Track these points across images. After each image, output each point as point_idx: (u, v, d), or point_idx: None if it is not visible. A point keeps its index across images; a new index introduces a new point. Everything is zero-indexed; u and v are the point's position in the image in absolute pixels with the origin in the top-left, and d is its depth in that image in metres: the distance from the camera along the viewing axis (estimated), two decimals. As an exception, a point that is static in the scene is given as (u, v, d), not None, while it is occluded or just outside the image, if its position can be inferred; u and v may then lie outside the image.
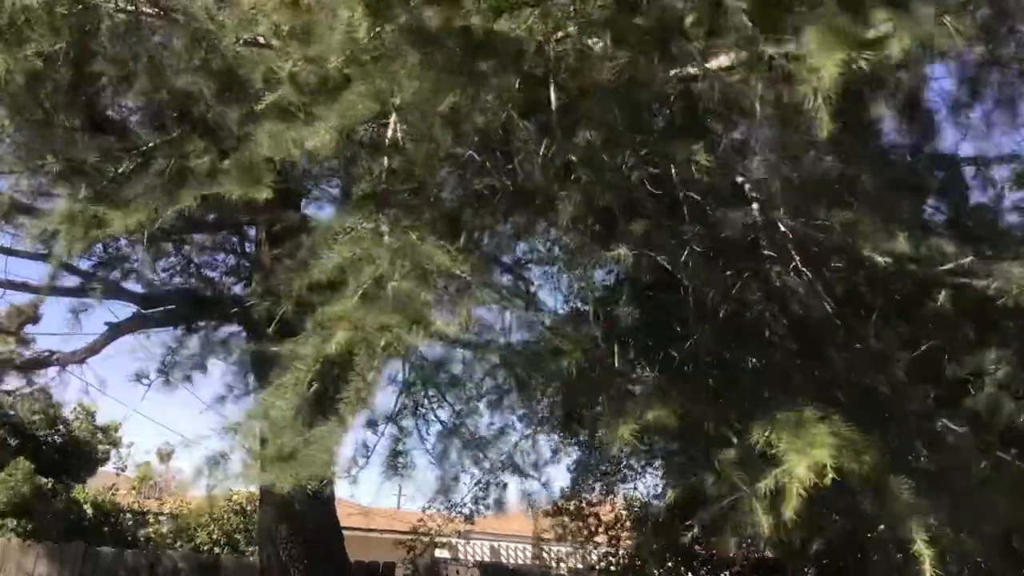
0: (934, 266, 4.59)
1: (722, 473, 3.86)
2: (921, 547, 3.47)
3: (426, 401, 9.23)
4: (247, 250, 11.95)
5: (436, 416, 9.48)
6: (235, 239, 12.01)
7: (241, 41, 4.52)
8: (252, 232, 11.28)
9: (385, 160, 4.00)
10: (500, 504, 11.72)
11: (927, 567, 3.42)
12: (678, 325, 4.44)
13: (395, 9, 3.50)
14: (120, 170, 4.89)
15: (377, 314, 3.48)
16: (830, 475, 3.18)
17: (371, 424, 9.09)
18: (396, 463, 8.02)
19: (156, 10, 4.79)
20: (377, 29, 3.52)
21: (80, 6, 4.61)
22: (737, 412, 3.83)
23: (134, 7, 4.91)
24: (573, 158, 3.97)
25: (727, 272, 4.39)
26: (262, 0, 4.35)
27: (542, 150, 4.04)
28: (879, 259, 4.50)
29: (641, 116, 4.03)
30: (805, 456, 3.16)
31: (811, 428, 3.26)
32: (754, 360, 4.12)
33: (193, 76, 4.73)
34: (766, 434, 3.33)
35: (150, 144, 5.02)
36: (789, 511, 3.36)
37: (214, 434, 4.96)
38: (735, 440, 3.85)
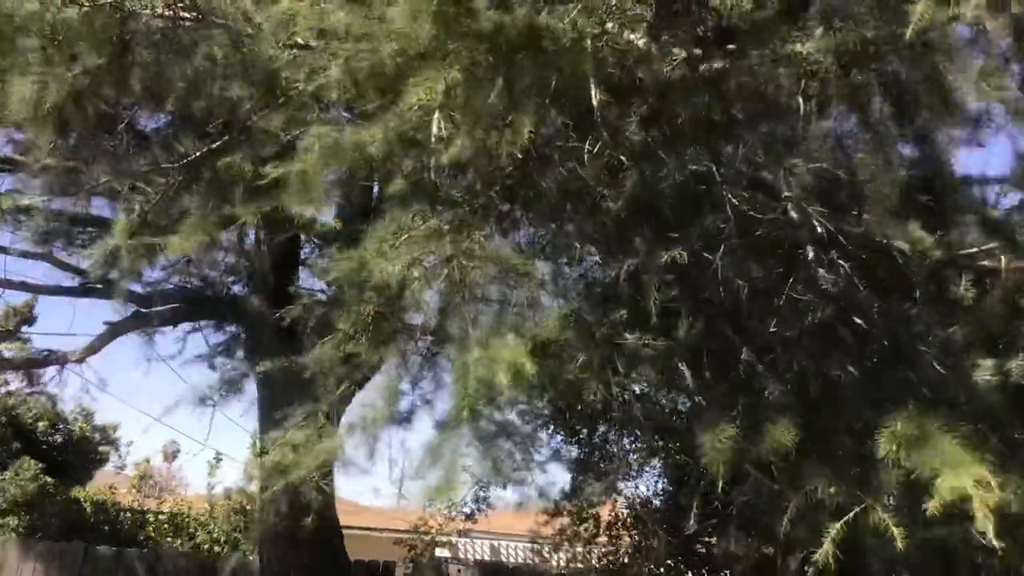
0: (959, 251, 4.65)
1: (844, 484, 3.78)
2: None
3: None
4: (246, 248, 11.93)
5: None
6: (233, 237, 11.99)
7: (280, 44, 4.51)
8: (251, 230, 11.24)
9: (433, 158, 4.00)
10: (500, 503, 11.75)
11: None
12: (737, 335, 4.44)
13: (463, 19, 3.49)
14: (169, 182, 4.88)
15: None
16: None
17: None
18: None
19: (194, 14, 4.76)
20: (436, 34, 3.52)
21: (119, 15, 4.59)
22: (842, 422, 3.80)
23: (172, 12, 4.89)
24: (621, 157, 4.00)
25: (767, 272, 4.43)
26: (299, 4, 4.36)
27: (586, 148, 4.06)
28: (903, 246, 4.56)
29: (685, 113, 4.05)
30: (957, 472, 3.08)
31: (938, 440, 3.21)
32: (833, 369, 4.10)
33: (234, 81, 4.71)
34: (895, 447, 3.26)
35: (195, 155, 5.00)
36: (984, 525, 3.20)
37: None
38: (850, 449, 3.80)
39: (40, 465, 13.90)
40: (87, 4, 4.37)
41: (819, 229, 4.51)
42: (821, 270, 4.20)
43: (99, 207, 8.49)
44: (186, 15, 4.71)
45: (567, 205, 4.15)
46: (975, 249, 4.89)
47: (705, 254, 4.11)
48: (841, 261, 4.68)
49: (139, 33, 4.62)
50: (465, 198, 4.02)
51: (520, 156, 3.89)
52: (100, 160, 5.06)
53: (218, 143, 4.75)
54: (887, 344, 4.32)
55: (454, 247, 3.74)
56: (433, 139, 3.98)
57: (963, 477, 3.07)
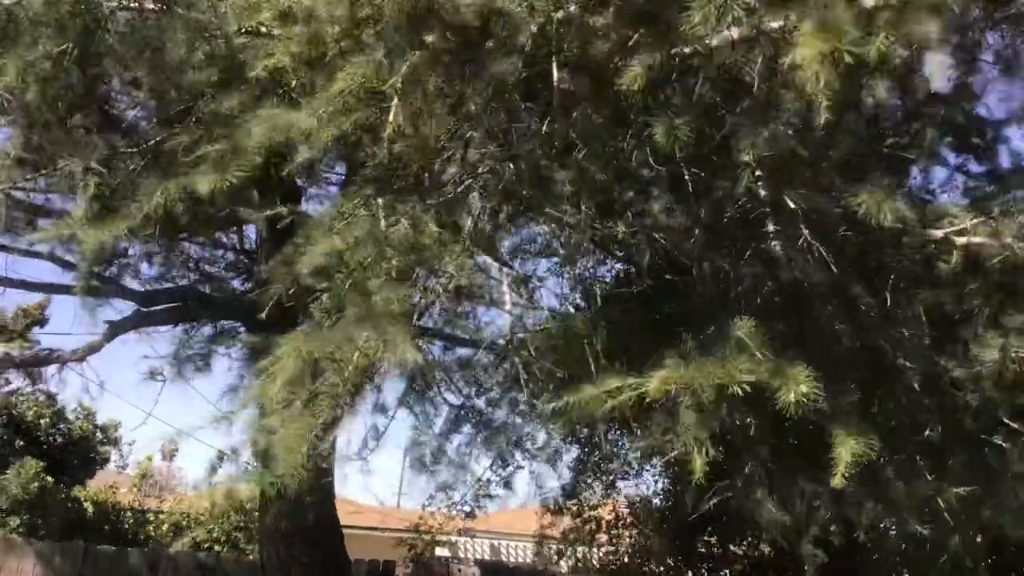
0: (939, 228, 4.60)
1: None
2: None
3: (437, 387, 9.18)
4: (246, 247, 11.97)
5: (445, 400, 9.44)
6: (234, 235, 12.03)
7: (243, 31, 4.50)
8: (252, 229, 11.28)
9: (386, 145, 3.98)
10: (501, 501, 11.70)
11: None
12: (686, 310, 4.41)
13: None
14: (131, 168, 4.88)
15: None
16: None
17: (381, 409, 9.05)
18: (421, 456, 8.01)
19: (158, 4, 4.77)
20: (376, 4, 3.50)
21: (82, 5, 4.59)
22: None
23: (137, 2, 4.90)
24: (573, 136, 3.95)
25: (735, 250, 4.37)
26: None
27: (543, 129, 4.02)
28: (885, 223, 4.50)
29: (643, 94, 4.00)
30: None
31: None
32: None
33: (196, 69, 4.71)
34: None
35: (155, 140, 5.00)
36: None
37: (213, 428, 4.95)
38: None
39: (41, 464, 13.96)
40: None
41: (791, 205, 4.46)
42: (776, 244, 4.15)
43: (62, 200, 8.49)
44: (151, 5, 4.73)
45: (522, 185, 4.12)
46: (961, 226, 4.84)
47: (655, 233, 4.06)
48: (815, 241, 4.63)
49: (103, 20, 4.61)
50: (403, 180, 4.00)
51: (471, 136, 3.86)
52: (60, 146, 5.06)
53: (177, 128, 4.74)
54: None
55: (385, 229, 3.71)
56: (389, 127, 3.97)
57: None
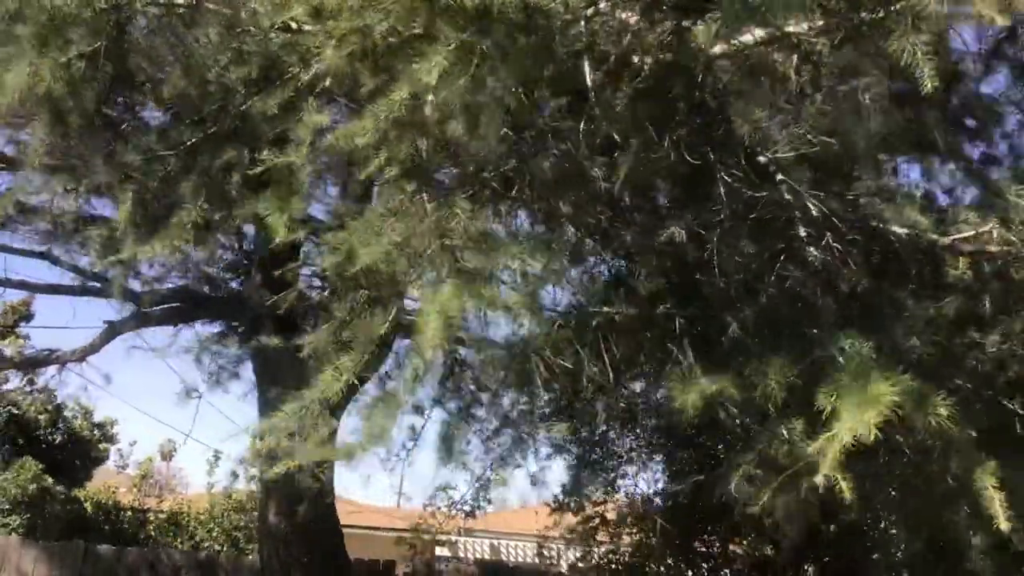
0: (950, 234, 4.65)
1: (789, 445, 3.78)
2: (991, 492, 3.44)
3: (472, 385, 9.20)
4: (245, 246, 11.94)
5: (479, 399, 9.46)
6: (233, 235, 12.01)
7: (276, 27, 4.49)
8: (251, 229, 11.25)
9: (424, 140, 3.98)
10: (501, 501, 11.72)
11: (997, 510, 3.39)
12: (713, 307, 4.44)
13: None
14: (167, 171, 4.87)
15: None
16: (874, 434, 3.12)
17: (417, 409, 9.06)
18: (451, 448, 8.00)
19: (189, 0, 4.76)
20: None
21: (114, 1, 4.57)
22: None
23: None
24: (614, 136, 3.98)
25: (761, 252, 4.41)
26: None
27: (580, 127, 4.05)
28: (899, 230, 4.56)
29: (677, 93, 4.05)
30: (856, 414, 3.11)
31: (874, 385, 3.21)
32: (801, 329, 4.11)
33: (229, 67, 4.69)
34: (832, 398, 3.26)
35: (190, 142, 4.98)
36: (824, 471, 3.28)
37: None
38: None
39: (40, 466, 13.89)
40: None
41: (813, 211, 4.51)
42: (812, 249, 4.20)
43: (100, 206, 8.52)
44: (181, 1, 4.72)
45: (561, 186, 4.14)
46: (971, 232, 4.90)
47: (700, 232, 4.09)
48: (836, 244, 4.69)
49: (134, 19, 4.60)
50: (455, 179, 4.01)
51: (514, 137, 3.88)
52: (95, 153, 5.05)
53: (213, 130, 4.73)
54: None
55: (438, 226, 3.72)
56: (426, 122, 3.99)
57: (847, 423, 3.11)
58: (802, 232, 4.16)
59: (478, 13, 3.72)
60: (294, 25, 4.52)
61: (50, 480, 14.03)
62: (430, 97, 4.00)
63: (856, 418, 3.04)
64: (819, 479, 3.22)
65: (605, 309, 4.81)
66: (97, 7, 4.25)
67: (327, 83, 4.16)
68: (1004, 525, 3.36)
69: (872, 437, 3.03)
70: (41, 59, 4.37)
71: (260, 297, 10.21)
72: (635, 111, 3.98)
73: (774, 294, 4.20)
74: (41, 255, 10.74)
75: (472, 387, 9.11)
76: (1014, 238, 4.65)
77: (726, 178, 4.22)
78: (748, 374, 3.52)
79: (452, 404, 9.14)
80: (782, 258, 4.26)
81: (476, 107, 3.83)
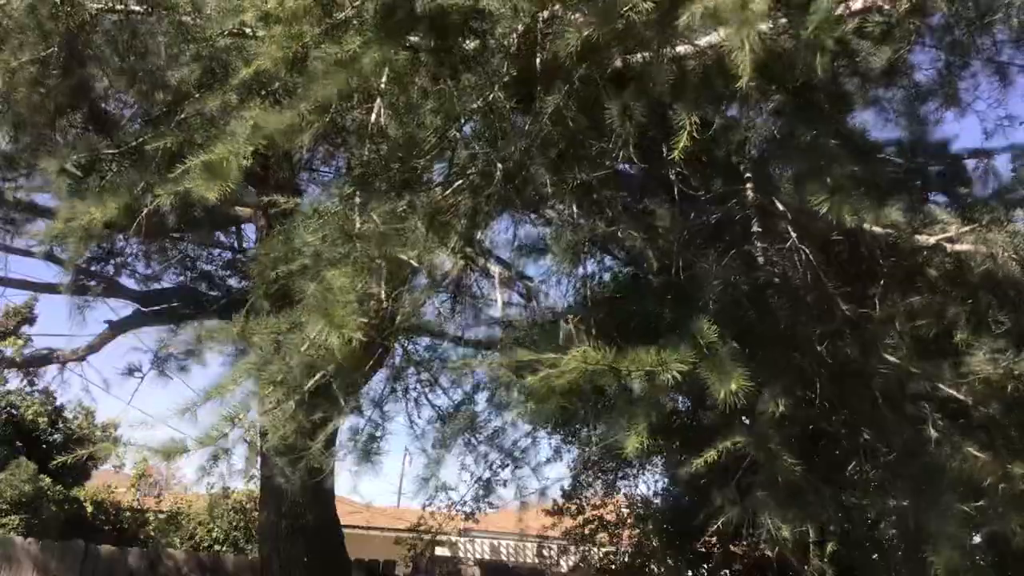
0: (928, 234, 4.57)
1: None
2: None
3: (418, 386, 9.08)
4: (244, 246, 11.97)
5: (429, 401, 9.37)
6: (232, 235, 12.04)
7: (226, 32, 4.48)
8: (251, 229, 11.28)
9: (368, 145, 3.95)
10: (501, 502, 11.66)
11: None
12: (672, 313, 4.38)
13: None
14: (114, 169, 4.88)
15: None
16: None
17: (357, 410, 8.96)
18: (370, 449, 7.88)
19: (143, 6, 4.76)
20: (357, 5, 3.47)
21: (68, 7, 4.59)
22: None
23: (122, 4, 4.89)
24: (556, 137, 3.92)
25: (720, 253, 4.33)
26: None
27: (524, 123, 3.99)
28: (877, 229, 4.47)
29: (631, 95, 3.97)
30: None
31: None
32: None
33: (180, 69, 4.69)
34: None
35: (137, 141, 4.99)
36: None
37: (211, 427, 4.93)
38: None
39: (34, 467, 13.95)
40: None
41: (781, 208, 4.43)
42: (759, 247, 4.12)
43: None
44: (136, 8, 4.72)
45: (504, 185, 4.09)
46: (951, 232, 4.80)
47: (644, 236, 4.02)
48: (804, 246, 4.60)
49: (87, 23, 4.61)
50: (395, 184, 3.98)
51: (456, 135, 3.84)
52: (46, 147, 5.07)
53: (162, 128, 4.73)
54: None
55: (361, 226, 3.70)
56: (371, 127, 3.95)
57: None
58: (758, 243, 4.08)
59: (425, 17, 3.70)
60: (247, 30, 4.51)
61: (48, 480, 14.10)
62: (377, 101, 3.98)
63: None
64: None
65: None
66: (45, 13, 4.26)
67: (268, 85, 4.13)
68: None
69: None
70: None
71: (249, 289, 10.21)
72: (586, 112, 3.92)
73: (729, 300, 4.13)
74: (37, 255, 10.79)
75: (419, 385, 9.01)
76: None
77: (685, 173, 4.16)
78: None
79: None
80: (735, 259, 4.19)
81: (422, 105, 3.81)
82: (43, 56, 4.43)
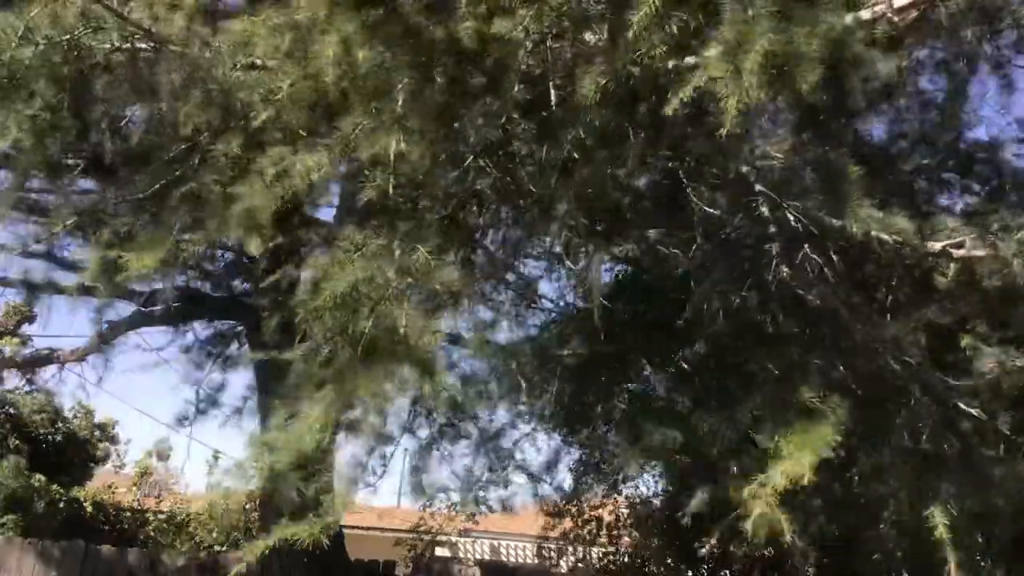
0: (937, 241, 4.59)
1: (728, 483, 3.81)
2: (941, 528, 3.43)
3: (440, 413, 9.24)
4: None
5: (452, 422, 9.51)
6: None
7: (237, 66, 4.47)
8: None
9: (386, 172, 3.94)
10: (502, 503, 11.70)
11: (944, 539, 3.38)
12: (683, 325, 4.39)
13: (391, 23, 3.45)
14: (137, 214, 4.88)
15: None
16: (808, 477, 3.16)
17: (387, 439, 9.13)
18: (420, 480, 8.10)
19: (152, 44, 4.75)
20: (372, 40, 3.47)
21: (76, 52, 4.58)
22: (747, 415, 3.79)
23: (130, 44, 4.89)
24: (575, 155, 3.92)
25: (733, 267, 4.35)
26: (255, 25, 4.34)
27: (543, 150, 3.98)
28: (886, 237, 4.48)
29: (640, 112, 3.97)
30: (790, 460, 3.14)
31: (816, 430, 3.21)
32: (762, 359, 4.06)
33: (194, 108, 4.67)
34: (775, 439, 3.28)
35: (157, 186, 5.00)
36: (753, 517, 3.35)
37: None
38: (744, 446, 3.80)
39: (23, 462, 13.89)
40: (43, 42, 4.36)
41: (793, 222, 4.43)
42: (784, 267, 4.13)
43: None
44: (143, 46, 4.70)
45: (525, 208, 4.10)
46: (959, 239, 4.82)
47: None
48: (815, 255, 4.61)
49: (97, 67, 4.61)
50: (418, 212, 3.99)
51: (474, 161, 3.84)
52: (65, 200, 5.11)
53: (180, 171, 4.75)
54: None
55: (401, 263, 3.71)
56: (391, 156, 3.93)
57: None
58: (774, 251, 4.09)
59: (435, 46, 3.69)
60: (257, 62, 4.49)
61: (43, 478, 14.03)
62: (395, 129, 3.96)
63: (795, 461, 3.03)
64: (748, 525, 3.24)
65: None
66: (55, 59, 4.26)
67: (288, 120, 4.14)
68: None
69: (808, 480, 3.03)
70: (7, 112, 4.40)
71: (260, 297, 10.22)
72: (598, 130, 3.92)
73: (741, 312, 4.14)
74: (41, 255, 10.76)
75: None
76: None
77: (695, 197, 4.16)
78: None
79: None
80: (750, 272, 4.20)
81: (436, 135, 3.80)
82: (54, 102, 4.43)
